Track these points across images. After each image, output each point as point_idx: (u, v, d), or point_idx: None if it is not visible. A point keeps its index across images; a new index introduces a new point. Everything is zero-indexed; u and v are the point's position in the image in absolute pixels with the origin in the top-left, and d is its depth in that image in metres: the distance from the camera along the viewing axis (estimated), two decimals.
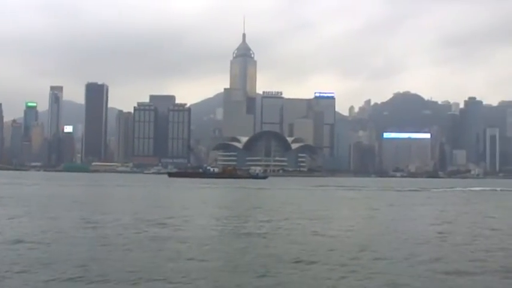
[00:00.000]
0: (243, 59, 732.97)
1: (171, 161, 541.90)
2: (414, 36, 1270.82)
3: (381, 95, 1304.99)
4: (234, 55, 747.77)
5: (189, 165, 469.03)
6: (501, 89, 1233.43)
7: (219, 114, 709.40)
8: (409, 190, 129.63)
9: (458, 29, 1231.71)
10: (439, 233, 37.08)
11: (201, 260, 24.93)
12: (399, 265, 24.15)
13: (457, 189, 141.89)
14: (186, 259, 25.17)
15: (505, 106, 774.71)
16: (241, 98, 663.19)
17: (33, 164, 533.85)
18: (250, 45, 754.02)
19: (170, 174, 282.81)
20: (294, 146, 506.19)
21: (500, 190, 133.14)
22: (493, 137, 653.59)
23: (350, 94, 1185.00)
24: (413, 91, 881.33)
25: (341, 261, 24.82)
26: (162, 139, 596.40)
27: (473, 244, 31.33)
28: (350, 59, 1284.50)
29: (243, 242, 31.72)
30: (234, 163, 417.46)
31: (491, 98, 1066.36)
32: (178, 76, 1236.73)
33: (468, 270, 23.26)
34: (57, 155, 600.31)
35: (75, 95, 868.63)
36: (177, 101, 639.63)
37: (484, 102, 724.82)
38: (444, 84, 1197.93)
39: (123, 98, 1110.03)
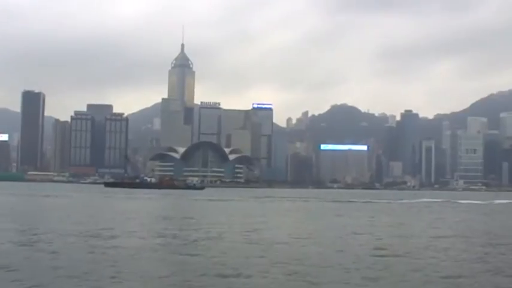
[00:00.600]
0: (181, 69, 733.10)
1: (107, 170, 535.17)
2: (353, 48, 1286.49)
3: (319, 107, 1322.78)
4: (173, 65, 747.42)
5: (126, 175, 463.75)
6: (437, 102, 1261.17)
7: (157, 124, 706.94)
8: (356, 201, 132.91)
9: (397, 42, 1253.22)
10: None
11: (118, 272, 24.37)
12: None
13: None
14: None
15: (440, 119, 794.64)
16: (179, 108, 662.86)
17: None
18: (189, 56, 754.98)
19: (106, 184, 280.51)
20: (232, 156, 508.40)
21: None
22: (428, 149, 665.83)
23: (288, 106, 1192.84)
24: (350, 103, 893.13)
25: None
26: (99, 149, 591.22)
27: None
28: (289, 70, 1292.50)
29: (168, 253, 31.55)
30: (171, 173, 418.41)
31: (427, 111, 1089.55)
32: (116, 85, 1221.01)
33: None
34: None
35: (10, 102, 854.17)
36: (115, 110, 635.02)
37: (420, 115, 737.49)
38: (381, 96, 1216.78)
39: (60, 107, 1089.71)
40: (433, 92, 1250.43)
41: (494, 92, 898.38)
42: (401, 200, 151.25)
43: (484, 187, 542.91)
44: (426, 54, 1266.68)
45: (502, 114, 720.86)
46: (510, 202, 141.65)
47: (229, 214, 75.30)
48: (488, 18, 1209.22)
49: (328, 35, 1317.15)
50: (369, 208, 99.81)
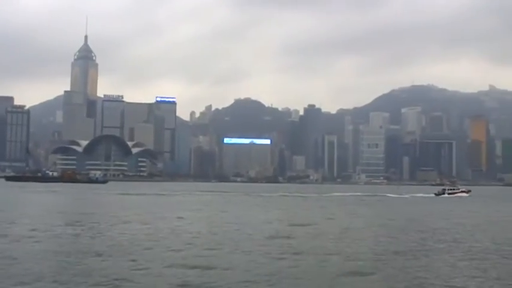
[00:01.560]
0: (85, 62, 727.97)
1: (8, 164, 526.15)
2: (259, 43, 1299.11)
3: (223, 100, 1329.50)
4: (76, 57, 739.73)
5: (27, 168, 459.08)
6: (340, 97, 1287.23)
7: (59, 117, 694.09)
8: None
9: (302, 38, 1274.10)
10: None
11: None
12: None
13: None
14: None
15: (343, 114, 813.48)
16: (81, 101, 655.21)
17: None
18: (93, 48, 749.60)
19: (7, 178, 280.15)
20: (135, 150, 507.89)
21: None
22: (331, 144, 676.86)
23: (193, 99, 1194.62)
24: (254, 97, 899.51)
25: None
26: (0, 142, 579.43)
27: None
28: (195, 64, 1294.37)
29: (58, 246, 34.70)
30: (74, 167, 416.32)
31: (330, 106, 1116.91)
32: (18, 77, 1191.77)
33: None
34: None
35: None
36: (16, 103, 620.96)
37: (323, 110, 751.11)
38: (285, 91, 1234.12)
39: None
40: (337, 88, 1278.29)
41: (396, 88, 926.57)
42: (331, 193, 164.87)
43: (385, 181, 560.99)
44: (331, 50, 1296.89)
45: (403, 110, 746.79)
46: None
47: (127, 207, 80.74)
48: (391, 16, 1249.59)
49: (235, 28, 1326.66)
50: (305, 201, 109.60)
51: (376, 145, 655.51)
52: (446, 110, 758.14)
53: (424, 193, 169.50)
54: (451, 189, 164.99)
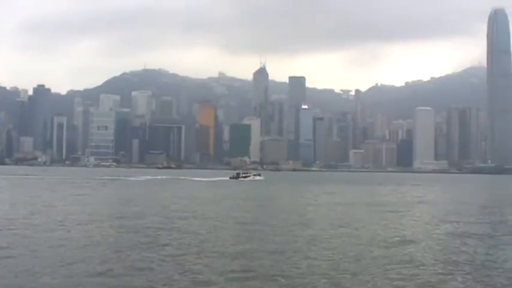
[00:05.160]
0: None
1: None
2: None
3: None
4: None
5: None
6: (73, 78, 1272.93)
7: None
8: None
9: (39, 17, 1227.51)
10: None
11: None
12: None
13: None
14: None
15: (73, 95, 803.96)
16: None
17: None
18: None
19: None
20: None
21: None
22: (60, 125, 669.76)
23: None
24: None
25: None
26: None
27: None
28: None
29: None
30: None
31: (61, 87, 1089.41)
32: None
33: None
34: None
35: None
36: None
37: (53, 91, 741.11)
38: (19, 71, 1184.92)
39: None
40: (71, 69, 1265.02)
41: (127, 72, 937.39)
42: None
43: (114, 163, 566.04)
44: (67, 32, 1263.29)
45: (133, 93, 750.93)
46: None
47: None
48: (127, 2, 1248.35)
49: None
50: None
51: (106, 127, 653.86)
52: (177, 95, 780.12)
53: (221, 177, 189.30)
54: (244, 173, 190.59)
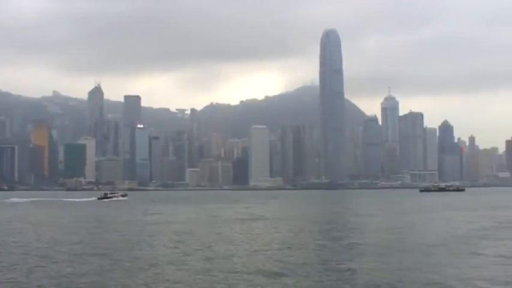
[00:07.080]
0: None
1: None
2: None
3: None
4: None
5: None
6: None
7: None
8: None
9: None
10: None
11: None
12: None
13: None
14: None
15: None
16: None
17: None
18: None
19: None
20: None
21: None
22: None
23: None
24: None
25: None
26: None
27: None
28: None
29: None
30: None
31: None
32: None
33: None
34: None
35: None
36: None
37: None
38: None
39: None
40: None
41: None
42: None
43: None
44: None
45: None
46: None
47: None
48: None
49: None
50: None
51: None
52: (9, 114, 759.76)
53: (88, 197, 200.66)
54: (112, 193, 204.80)
